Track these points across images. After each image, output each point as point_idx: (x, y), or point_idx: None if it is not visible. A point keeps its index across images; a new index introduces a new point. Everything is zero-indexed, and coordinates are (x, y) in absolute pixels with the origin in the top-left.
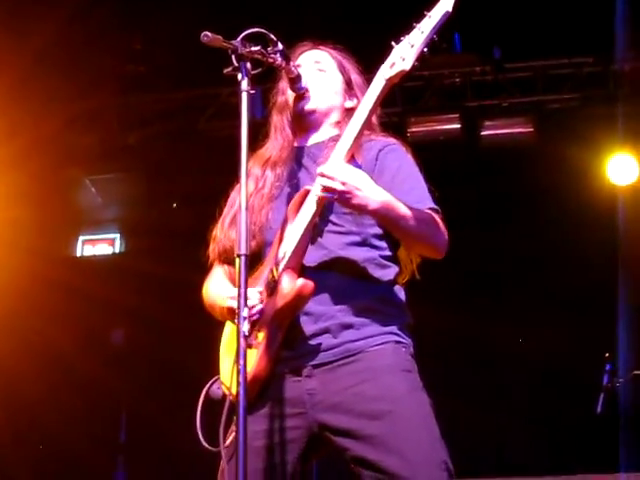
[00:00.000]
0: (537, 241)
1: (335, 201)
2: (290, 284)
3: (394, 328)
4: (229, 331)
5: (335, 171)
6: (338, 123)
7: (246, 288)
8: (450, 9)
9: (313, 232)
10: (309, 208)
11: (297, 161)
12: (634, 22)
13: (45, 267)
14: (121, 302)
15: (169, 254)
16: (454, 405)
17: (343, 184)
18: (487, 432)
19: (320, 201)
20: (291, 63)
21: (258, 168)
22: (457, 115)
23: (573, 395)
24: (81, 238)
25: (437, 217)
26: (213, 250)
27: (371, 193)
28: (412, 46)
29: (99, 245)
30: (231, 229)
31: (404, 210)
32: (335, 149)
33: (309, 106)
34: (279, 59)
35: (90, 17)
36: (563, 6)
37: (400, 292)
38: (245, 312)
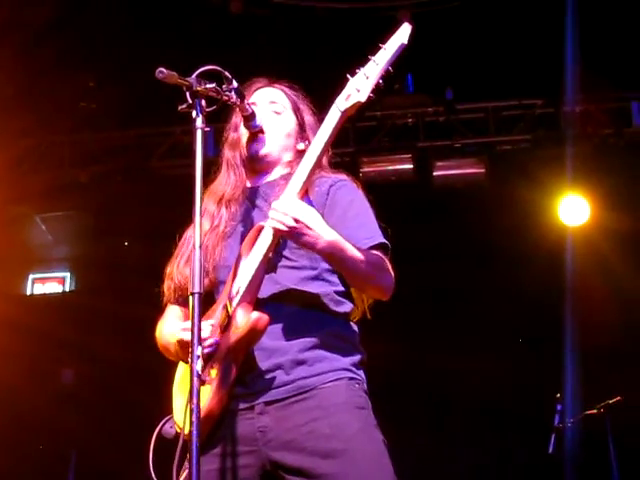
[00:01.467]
0: (488, 278)
1: (285, 236)
2: (244, 318)
3: (347, 364)
4: (182, 370)
5: (287, 207)
6: (290, 162)
7: (199, 326)
8: (405, 41)
9: (267, 266)
10: (263, 242)
11: (250, 200)
12: (583, 65)
13: None
14: (72, 340)
15: (120, 291)
16: (404, 440)
17: (295, 220)
18: (437, 467)
19: (274, 235)
20: (245, 101)
21: (212, 205)
22: (409, 155)
23: (523, 433)
24: (31, 276)
25: (385, 259)
26: (168, 288)
27: (321, 231)
28: (367, 78)
29: (49, 283)
30: (186, 267)
31: (352, 251)
32: (289, 184)
33: (263, 151)
34: (234, 97)
35: (42, 53)
36: (514, 49)
37: (353, 328)
38: (199, 351)
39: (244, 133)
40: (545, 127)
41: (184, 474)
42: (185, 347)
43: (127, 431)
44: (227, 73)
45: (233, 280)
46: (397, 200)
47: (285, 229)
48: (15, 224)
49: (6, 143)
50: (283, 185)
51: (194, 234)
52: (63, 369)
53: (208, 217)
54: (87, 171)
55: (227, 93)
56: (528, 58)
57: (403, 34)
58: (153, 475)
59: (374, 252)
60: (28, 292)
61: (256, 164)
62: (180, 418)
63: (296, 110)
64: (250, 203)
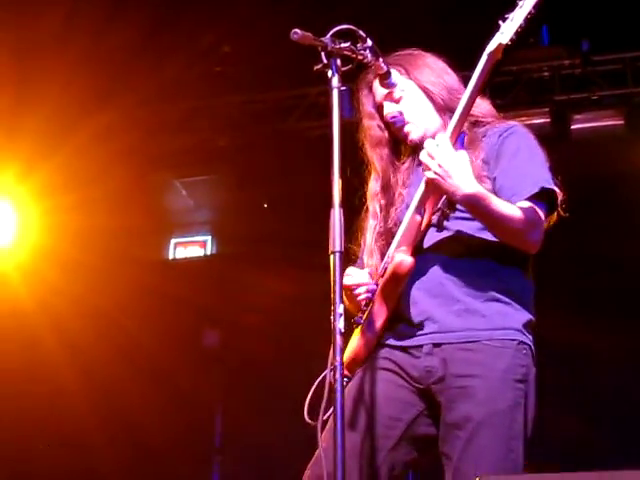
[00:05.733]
0: (630, 236)
1: (431, 183)
2: (395, 261)
3: (520, 324)
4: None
5: (435, 150)
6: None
7: (341, 285)
8: None
9: (439, 218)
10: (420, 188)
11: (418, 164)
12: None
13: (138, 271)
14: (214, 304)
15: (261, 254)
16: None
17: (439, 165)
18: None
19: (428, 182)
20: (380, 59)
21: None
22: (546, 109)
23: None
24: (173, 241)
25: (538, 211)
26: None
27: (461, 182)
28: (512, 20)
29: (191, 247)
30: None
31: (496, 205)
32: (447, 129)
33: (417, 136)
34: (369, 56)
35: (178, 20)
36: None
37: (528, 283)
38: (341, 309)
39: (383, 128)
40: None
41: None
42: (348, 291)
43: (269, 393)
44: (361, 32)
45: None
46: None
47: (431, 175)
48: (155, 190)
49: (145, 110)
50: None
51: (333, 193)
52: (205, 332)
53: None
54: (225, 135)
55: (362, 52)
56: None
57: None
58: (307, 417)
59: (526, 205)
60: (170, 257)
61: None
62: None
63: (417, 79)
64: (417, 166)
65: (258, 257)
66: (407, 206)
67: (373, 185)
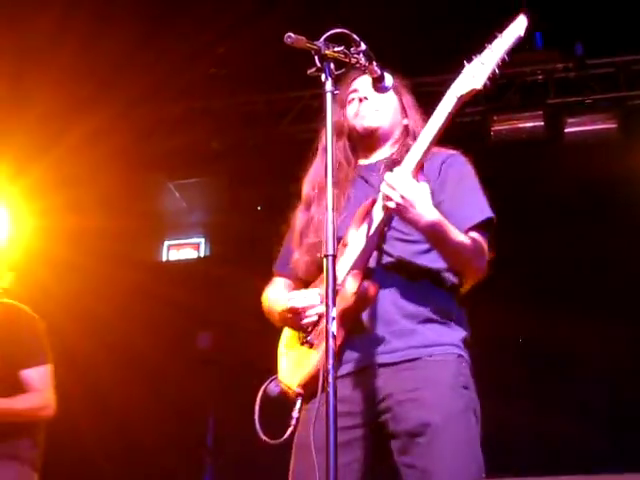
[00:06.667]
0: (620, 238)
1: (391, 212)
2: (354, 285)
3: (456, 340)
4: (288, 332)
5: (398, 182)
6: (398, 139)
7: (334, 288)
8: (522, 33)
9: (379, 239)
10: (376, 215)
11: (362, 177)
12: None
13: (131, 273)
14: (207, 306)
15: (254, 256)
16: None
17: (401, 197)
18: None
19: (385, 209)
20: (374, 63)
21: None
22: (540, 112)
23: None
24: (166, 243)
25: (484, 243)
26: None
27: (424, 211)
28: (483, 64)
29: (184, 249)
30: (305, 250)
31: (452, 233)
32: (404, 161)
33: (371, 123)
34: (363, 59)
35: (172, 22)
36: None
37: (461, 304)
38: (334, 312)
39: (349, 116)
40: None
41: (289, 430)
42: (296, 314)
43: (264, 398)
44: (355, 36)
45: (344, 249)
46: (528, 158)
47: (392, 205)
48: (149, 192)
49: (138, 112)
50: (395, 161)
51: (326, 197)
52: (199, 334)
53: (321, 195)
54: (219, 137)
55: (355, 55)
56: None
57: (520, 25)
58: (259, 430)
59: (475, 235)
60: (164, 259)
61: (366, 140)
62: (285, 377)
63: (395, 89)
64: (361, 180)
65: (251, 259)
66: (348, 220)
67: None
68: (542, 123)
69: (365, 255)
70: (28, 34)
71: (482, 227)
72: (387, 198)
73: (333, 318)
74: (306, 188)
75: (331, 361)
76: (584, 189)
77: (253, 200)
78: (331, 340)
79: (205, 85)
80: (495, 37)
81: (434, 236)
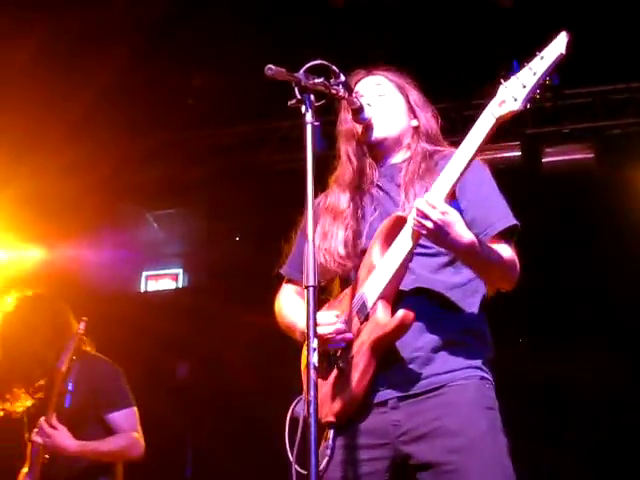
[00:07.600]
0: (600, 265)
1: (425, 237)
2: (386, 314)
3: (479, 362)
4: None
5: (431, 210)
6: (409, 143)
7: (315, 319)
8: (564, 51)
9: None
10: (405, 240)
11: (376, 185)
12: None
13: (109, 303)
14: (186, 337)
15: (232, 286)
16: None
17: (435, 224)
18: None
19: (414, 234)
20: (353, 94)
21: (338, 194)
22: (517, 142)
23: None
24: (144, 274)
25: (514, 254)
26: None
27: (459, 236)
28: (524, 87)
29: (162, 280)
30: (325, 242)
31: (487, 251)
32: (436, 184)
33: (377, 135)
34: (342, 90)
35: (150, 55)
36: (621, 32)
37: (484, 323)
38: (315, 343)
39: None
40: None
41: (324, 461)
42: (321, 340)
43: (240, 425)
44: (334, 67)
45: (369, 270)
46: (506, 188)
47: (424, 232)
48: (126, 222)
49: (116, 143)
50: (407, 166)
51: (307, 227)
52: (178, 364)
53: (336, 206)
54: (197, 168)
55: (335, 87)
56: (635, 40)
57: (560, 43)
58: (290, 455)
59: (503, 246)
60: (142, 289)
61: (376, 150)
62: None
63: (400, 88)
64: (376, 188)
65: (229, 290)
66: (370, 232)
67: (344, 179)
68: (519, 153)
69: (395, 282)
70: (4, 67)
71: (508, 234)
72: (420, 225)
73: (314, 349)
74: (332, 196)
75: (312, 392)
76: (562, 218)
77: (231, 230)
78: (312, 371)
79: (183, 116)
80: (534, 56)
81: (471, 258)
